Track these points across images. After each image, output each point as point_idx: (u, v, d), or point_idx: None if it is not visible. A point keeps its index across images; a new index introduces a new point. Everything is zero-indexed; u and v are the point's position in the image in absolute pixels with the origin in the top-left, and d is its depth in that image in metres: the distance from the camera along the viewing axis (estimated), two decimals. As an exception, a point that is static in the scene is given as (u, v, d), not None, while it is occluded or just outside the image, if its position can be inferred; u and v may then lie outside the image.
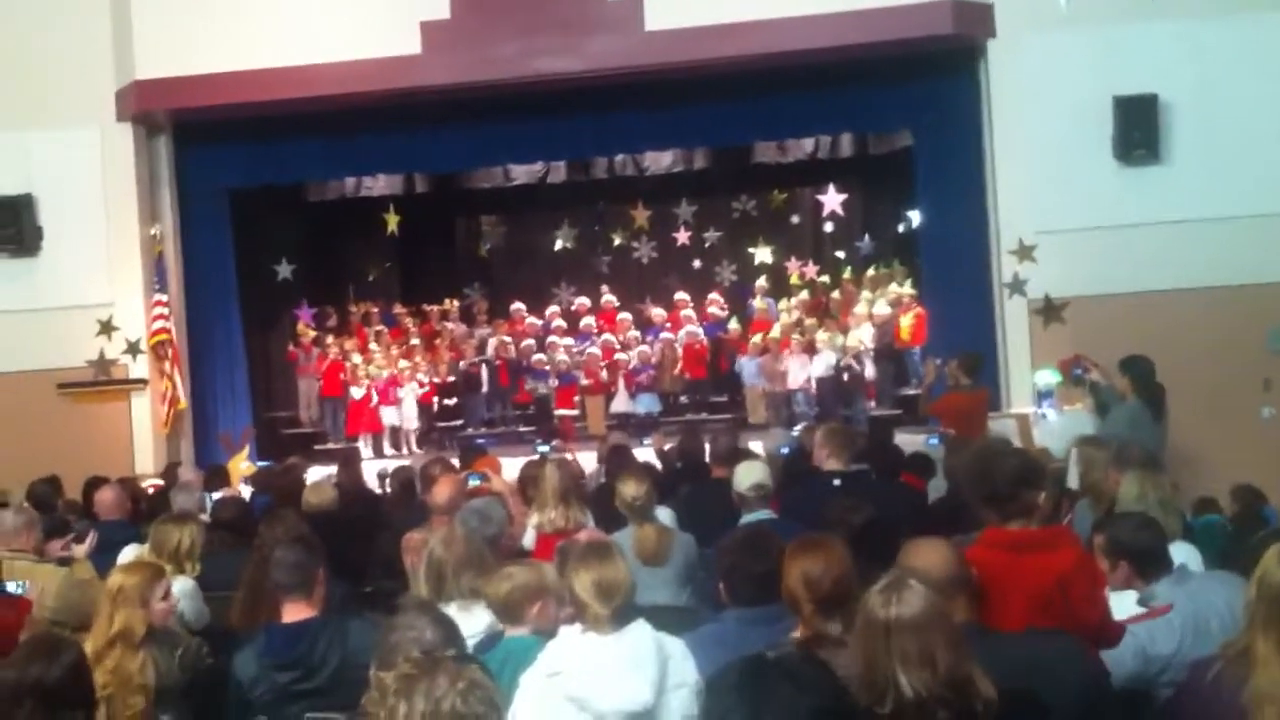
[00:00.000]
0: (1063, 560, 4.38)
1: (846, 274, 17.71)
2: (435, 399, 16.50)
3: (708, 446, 8.93)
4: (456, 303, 18.27)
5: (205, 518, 7.43)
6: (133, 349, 12.75)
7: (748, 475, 6.36)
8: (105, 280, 12.73)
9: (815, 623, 3.66)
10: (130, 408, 12.82)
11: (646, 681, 3.78)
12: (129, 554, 6.41)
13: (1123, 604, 4.58)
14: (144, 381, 12.78)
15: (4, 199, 12.53)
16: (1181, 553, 4.79)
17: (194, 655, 4.71)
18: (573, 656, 3.86)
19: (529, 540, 6.58)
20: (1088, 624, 4.17)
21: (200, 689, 4.61)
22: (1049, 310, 11.61)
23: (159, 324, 12.76)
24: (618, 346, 16.65)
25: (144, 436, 12.76)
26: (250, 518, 7.45)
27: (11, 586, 6.01)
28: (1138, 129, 11.34)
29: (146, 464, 12.15)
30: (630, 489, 6.20)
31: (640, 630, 3.90)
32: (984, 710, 3.01)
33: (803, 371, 15.19)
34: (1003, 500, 4.39)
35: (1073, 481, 6.70)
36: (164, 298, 12.84)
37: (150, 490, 9.81)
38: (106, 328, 12.71)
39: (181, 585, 5.67)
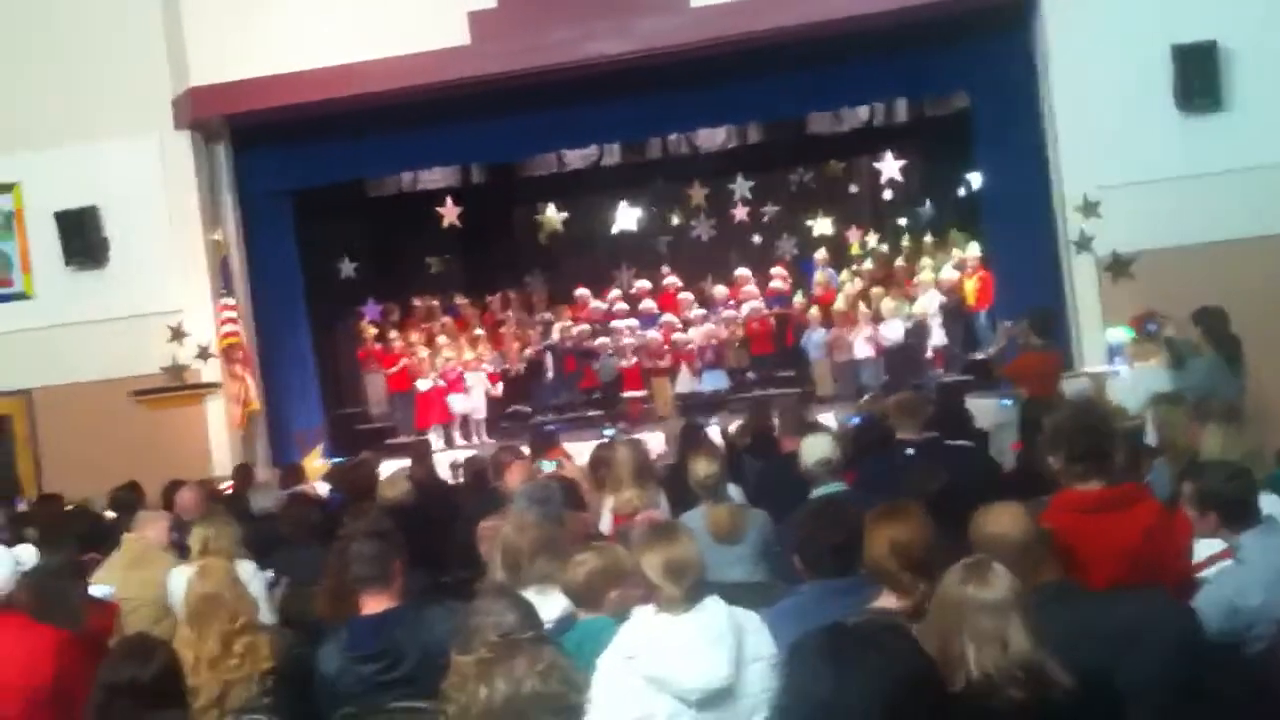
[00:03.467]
0: (1145, 515, 4.35)
1: (905, 241, 17.55)
2: (502, 387, 16.57)
3: (776, 421, 8.89)
4: (513, 294, 18.29)
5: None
6: (204, 353, 12.91)
7: (813, 451, 6.32)
8: (173, 287, 12.89)
9: (908, 589, 3.64)
10: (205, 411, 12.99)
11: (724, 657, 3.77)
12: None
13: (1208, 552, 4.52)
14: (216, 385, 12.94)
15: (70, 212, 12.72)
16: (1267, 504, 4.70)
17: (291, 644, 4.82)
18: (648, 637, 3.86)
19: (606, 524, 6.59)
20: (1178, 576, 4.13)
21: (291, 679, 4.68)
22: (1117, 266, 11.42)
23: (228, 328, 12.91)
24: (679, 326, 16.62)
25: (220, 439, 12.92)
26: (324, 513, 7.54)
27: (98, 591, 6.11)
28: (1198, 77, 11.11)
29: (224, 466, 12.30)
30: (702, 467, 6.19)
31: (714, 606, 3.89)
32: (1061, 697, 2.98)
33: (869, 342, 15.09)
34: (1079, 459, 4.36)
35: (1151, 439, 6.59)
36: (231, 301, 12.99)
37: (226, 491, 9.95)
38: (177, 334, 12.88)
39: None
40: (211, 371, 12.96)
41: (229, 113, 12.87)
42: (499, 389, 16.46)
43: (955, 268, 15.59)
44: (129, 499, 9.12)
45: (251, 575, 5.96)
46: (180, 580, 5.62)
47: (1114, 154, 11.34)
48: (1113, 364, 10.96)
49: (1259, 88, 11.10)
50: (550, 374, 16.78)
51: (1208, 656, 3.86)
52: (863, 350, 15.12)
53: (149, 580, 6.30)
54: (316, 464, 12.28)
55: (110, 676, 3.75)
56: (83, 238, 12.72)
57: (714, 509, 6.08)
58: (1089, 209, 11.51)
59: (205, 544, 6.11)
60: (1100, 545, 4.24)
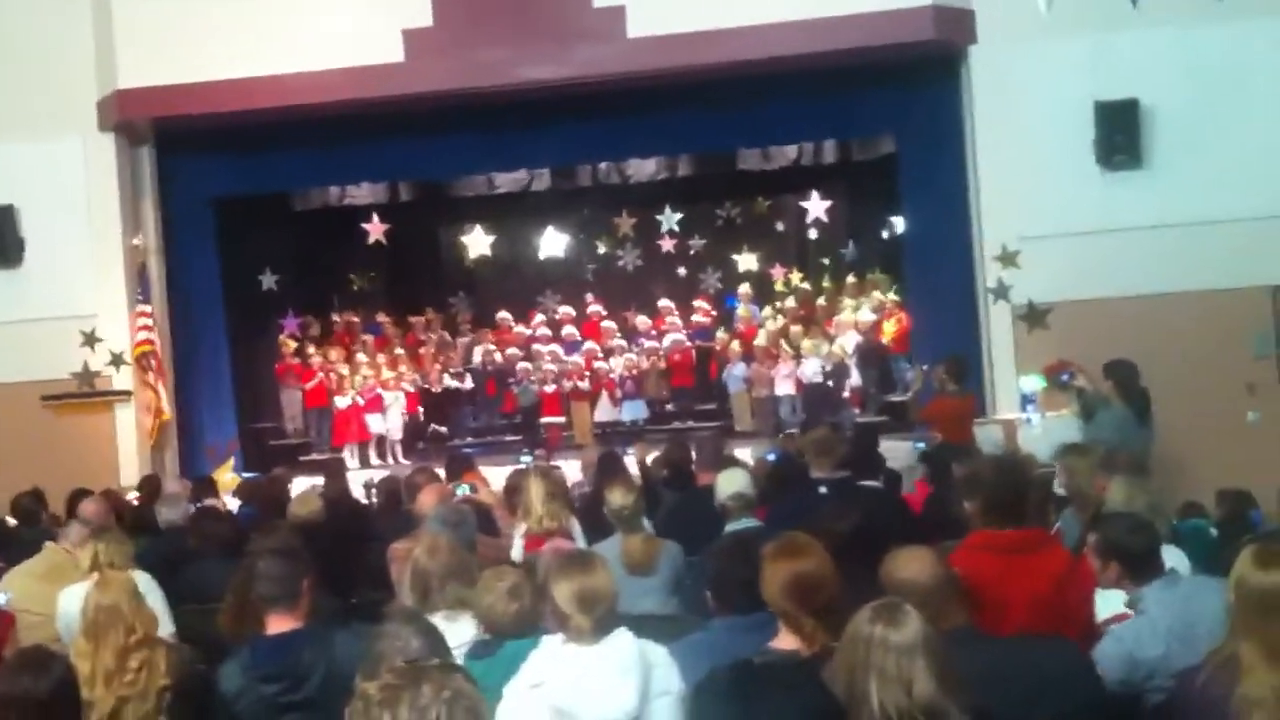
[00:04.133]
0: (1053, 561, 4.44)
1: (826, 282, 17.73)
2: (421, 408, 16.46)
3: (693, 454, 8.92)
4: (434, 312, 18.18)
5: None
6: (116, 360, 12.70)
7: (728, 485, 6.36)
8: (89, 291, 12.69)
9: (808, 632, 3.65)
10: (115, 419, 12.78)
11: (631, 690, 3.76)
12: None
13: (1110, 602, 4.60)
14: (128, 393, 12.73)
15: (-14, 210, 12.49)
16: (1169, 557, 4.79)
17: (187, 659, 4.73)
18: (556, 666, 3.84)
19: (517, 551, 6.56)
20: (1082, 625, 4.19)
21: (188, 696, 4.60)
22: (1033, 315, 11.64)
23: (143, 335, 12.72)
24: (600, 355, 16.63)
25: (128, 448, 12.72)
26: (234, 528, 7.43)
27: (-1, 599, 5.98)
28: (1119, 134, 11.39)
29: (131, 476, 12.09)
30: (618, 497, 6.19)
31: (623, 639, 3.88)
32: None
33: (789, 378, 15.20)
34: (994, 509, 4.44)
35: (1059, 488, 6.71)
36: (148, 309, 12.80)
37: (133, 502, 9.77)
38: (90, 339, 12.66)
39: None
40: (124, 379, 12.75)
41: (156, 116, 12.71)
42: (418, 410, 16.34)
43: (874, 310, 15.77)
44: (32, 506, 8.95)
45: (149, 588, 5.85)
46: (70, 598, 5.51)
47: (1035, 205, 11.57)
48: (1025, 412, 11.16)
49: (1178, 147, 11.39)
50: (470, 397, 16.70)
51: (1107, 707, 3.92)
52: (783, 387, 15.22)
53: (57, 597, 6.16)
54: (228, 478, 12.10)
55: (4, 688, 3.66)
56: (-1, 237, 12.49)
57: (628, 539, 6.09)
58: (1008, 258, 11.71)
59: (97, 559, 6.00)
60: (1009, 588, 4.32)
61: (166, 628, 5.75)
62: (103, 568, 5.84)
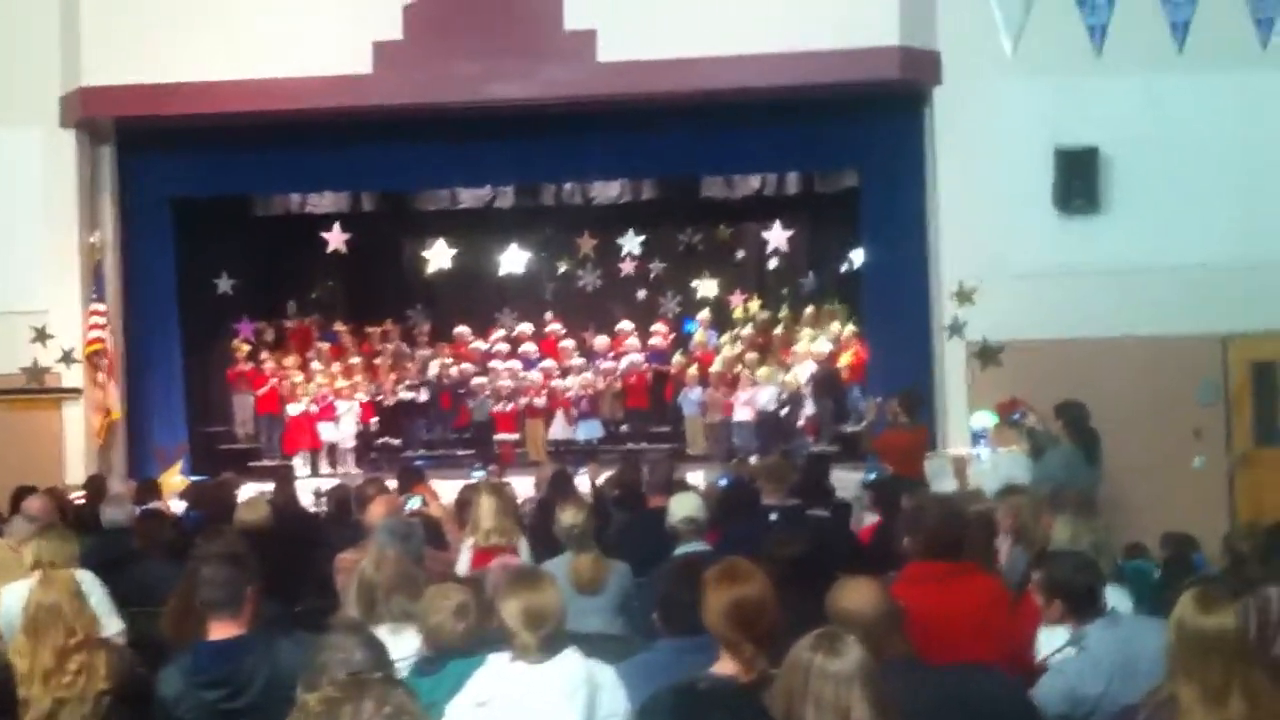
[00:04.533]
0: (984, 587, 4.52)
1: (783, 311, 17.81)
2: (374, 419, 16.38)
3: (645, 476, 8.93)
4: (391, 323, 18.12)
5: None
6: (67, 358, 12.57)
7: (680, 508, 6.39)
8: (42, 286, 12.55)
9: (747, 658, 3.67)
10: (63, 417, 12.63)
11: (577, 710, 3.76)
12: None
13: (1054, 639, 4.65)
14: (77, 391, 12.60)
15: (-59, 201, 12.35)
16: (1112, 596, 4.85)
17: (129, 662, 4.69)
18: (501, 685, 3.84)
19: (463, 564, 6.55)
20: (1016, 653, 4.25)
21: (129, 700, 4.56)
22: (986, 353, 11.75)
23: (95, 333, 12.59)
24: (557, 373, 16.62)
25: (75, 447, 12.57)
26: (179, 532, 7.38)
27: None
28: (1078, 179, 11.56)
29: (77, 475, 11.95)
30: (569, 516, 6.20)
31: (570, 658, 3.89)
32: None
33: (746, 405, 15.24)
34: (934, 552, 4.52)
35: (1001, 525, 6.76)
36: (101, 307, 12.68)
37: (78, 501, 9.67)
38: (41, 335, 12.53)
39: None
40: (74, 377, 12.61)
41: (119, 115, 12.62)
42: (371, 420, 16.26)
43: (831, 341, 15.85)
44: (-27, 500, 8.84)
45: (93, 587, 5.80)
46: (12, 595, 5.45)
47: (992, 245, 11.71)
48: (975, 447, 11.25)
49: (1135, 194, 11.59)
50: (424, 410, 16.64)
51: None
52: (739, 413, 15.26)
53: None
54: (175, 480, 12.00)
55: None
56: (-48, 228, 12.35)
57: (578, 558, 6.09)
58: (964, 296, 11.84)
59: (39, 558, 5.94)
60: (946, 614, 4.39)
61: (114, 626, 5.70)
62: (45, 566, 5.78)
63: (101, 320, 12.65)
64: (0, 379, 12.46)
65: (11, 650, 4.57)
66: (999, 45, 11.79)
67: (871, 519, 8.43)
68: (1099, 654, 4.34)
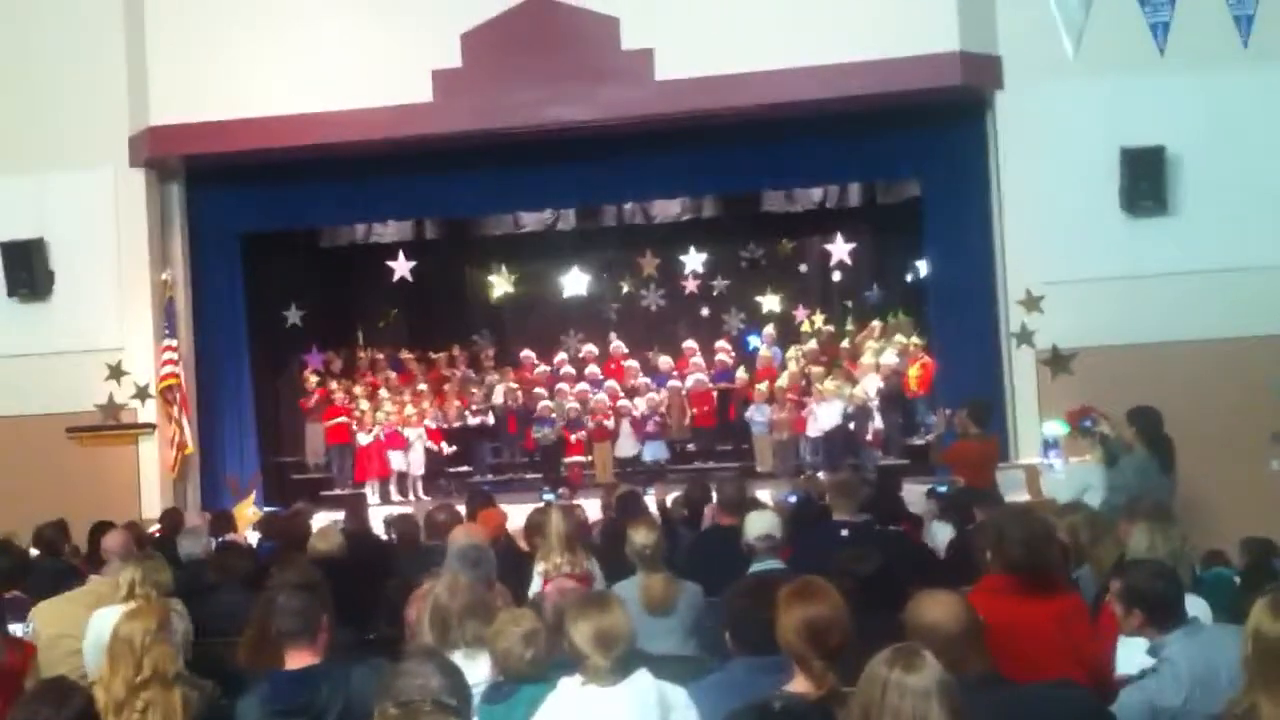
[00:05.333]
0: (1064, 602, 4.44)
1: (848, 324, 17.72)
2: (443, 445, 16.47)
3: (714, 495, 8.90)
4: (458, 350, 18.24)
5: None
6: (141, 394, 12.80)
7: (756, 525, 6.35)
8: (115, 325, 12.80)
9: (818, 675, 3.65)
10: (138, 452, 12.86)
11: (649, 732, 3.75)
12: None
13: (1132, 651, 4.56)
14: (152, 426, 12.81)
15: (17, 243, 12.65)
16: (1192, 605, 4.76)
17: (211, 697, 4.70)
18: (573, 708, 3.83)
19: (534, 588, 6.56)
20: (1096, 667, 4.17)
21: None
22: (1056, 361, 11.60)
23: (168, 369, 12.81)
24: (622, 394, 16.63)
25: (151, 481, 12.79)
26: (254, 562, 7.45)
27: (17, 629, 5.99)
28: (1145, 180, 11.38)
29: (153, 508, 12.14)
30: (641, 536, 6.17)
31: (642, 680, 3.87)
32: None
33: (812, 421, 15.14)
34: (1024, 559, 4.46)
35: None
36: (173, 342, 12.89)
37: (155, 535, 9.80)
38: (116, 372, 12.76)
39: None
40: (148, 412, 12.84)
41: (186, 153, 12.84)
42: (441, 446, 16.35)
43: (898, 353, 15.73)
44: (54, 536, 8.99)
45: (181, 618, 5.88)
46: (102, 621, 5.51)
47: (1059, 251, 11.57)
48: (1047, 457, 11.10)
49: (1203, 194, 11.39)
50: (492, 434, 16.71)
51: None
52: (810, 429, 15.16)
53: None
54: (249, 512, 12.14)
55: (23, 715, 3.67)
56: (28, 270, 12.64)
57: (649, 579, 6.06)
58: (1032, 303, 11.70)
59: (132, 587, 6.00)
60: (1019, 628, 4.32)
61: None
62: (138, 595, 5.85)
63: (174, 355, 12.86)
64: (77, 416, 12.70)
65: (97, 683, 4.62)
66: (1060, 47, 11.67)
67: (941, 531, 8.35)
68: (1179, 665, 4.26)
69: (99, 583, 6.77)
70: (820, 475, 11.86)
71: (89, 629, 5.90)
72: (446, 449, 16.41)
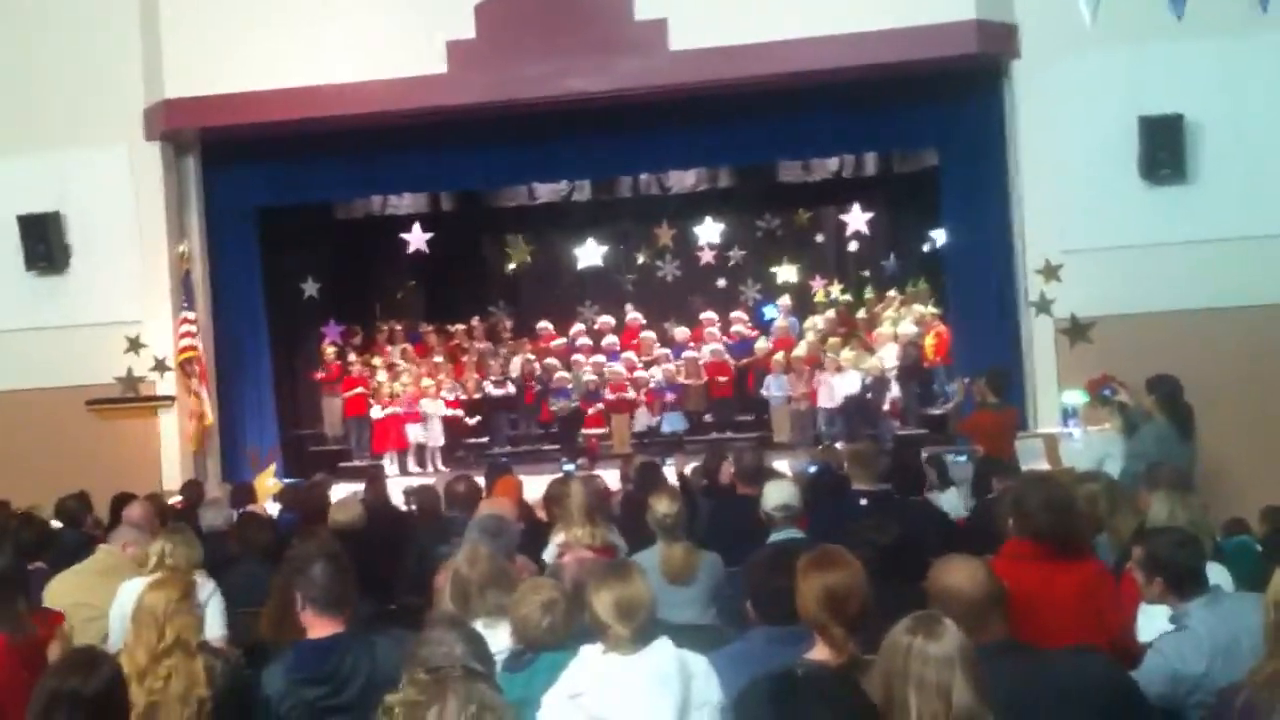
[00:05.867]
0: (1087, 568, 4.44)
1: (868, 293, 17.69)
2: (461, 416, 16.51)
3: (731, 465, 8.91)
4: (478, 321, 18.28)
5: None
6: (160, 366, 12.84)
7: (775, 495, 6.35)
8: (133, 298, 12.82)
9: (839, 642, 3.67)
10: (158, 424, 12.91)
11: (670, 700, 3.77)
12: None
13: (1153, 619, 4.57)
14: (171, 398, 12.86)
15: (34, 217, 12.65)
16: (1213, 574, 4.76)
17: (235, 666, 4.75)
18: (595, 676, 3.85)
19: (550, 554, 6.61)
20: (1118, 634, 4.19)
21: (233, 703, 4.63)
22: (1075, 330, 11.56)
23: (186, 341, 12.84)
24: (640, 364, 16.64)
25: (171, 453, 12.84)
26: (275, 534, 7.50)
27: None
28: (1163, 149, 11.29)
29: (174, 480, 12.19)
30: (663, 506, 6.19)
31: (663, 649, 3.89)
32: None
33: (830, 390, 15.15)
34: (1045, 525, 4.47)
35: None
36: (191, 315, 12.92)
37: (176, 506, 9.86)
38: (135, 345, 12.80)
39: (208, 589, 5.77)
40: (167, 385, 12.88)
41: (202, 126, 12.84)
42: (463, 417, 16.38)
43: (915, 323, 15.71)
44: (77, 508, 9.05)
45: (210, 594, 5.93)
46: (127, 592, 5.56)
47: (1077, 219, 11.50)
48: (1067, 426, 11.08)
49: (1222, 162, 11.29)
50: (509, 405, 16.75)
51: (1147, 721, 3.91)
52: (822, 399, 15.17)
53: (112, 593, 6.21)
54: (269, 484, 12.18)
55: (53, 685, 3.71)
56: (45, 243, 12.65)
57: (670, 549, 6.08)
58: (1050, 272, 11.65)
59: (162, 558, 6.06)
60: (1041, 594, 4.34)
61: (217, 631, 5.80)
62: (165, 567, 5.91)
63: (192, 329, 12.88)
64: (97, 389, 12.74)
65: (123, 650, 4.67)
66: (1077, 15, 11.55)
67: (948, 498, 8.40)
68: (1200, 633, 4.27)
69: (106, 551, 6.82)
70: (839, 445, 11.86)
71: (116, 600, 5.96)
72: (468, 420, 16.46)
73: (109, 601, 6.05)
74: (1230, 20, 11.35)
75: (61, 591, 6.31)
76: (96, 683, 3.72)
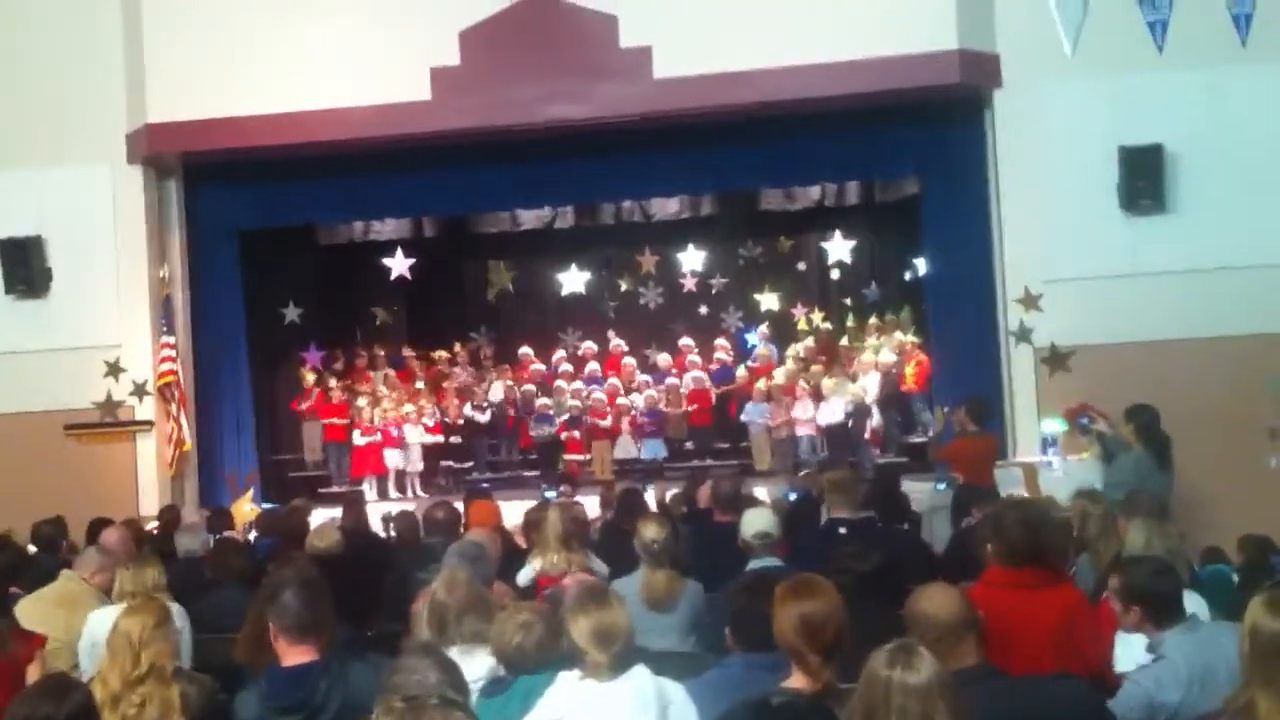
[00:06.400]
0: (1066, 596, 4.45)
1: (849, 322, 17.73)
2: (441, 440, 16.45)
3: (710, 491, 8.89)
4: (460, 347, 18.24)
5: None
6: (139, 391, 12.78)
7: (753, 523, 6.35)
8: (113, 322, 12.77)
9: (815, 670, 3.66)
10: (136, 449, 12.84)
11: (647, 727, 3.75)
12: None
13: (1130, 647, 4.57)
14: (150, 423, 12.80)
15: (14, 240, 12.63)
16: (1190, 602, 4.77)
17: (210, 692, 4.72)
18: (571, 703, 3.84)
19: (524, 577, 6.59)
20: (1094, 662, 4.19)
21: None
22: (1055, 359, 11.61)
23: (166, 366, 12.79)
24: (622, 391, 16.62)
25: (149, 478, 12.77)
26: (252, 559, 7.46)
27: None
28: (1143, 179, 11.38)
29: (151, 505, 12.13)
30: (650, 531, 6.17)
31: (640, 676, 3.88)
32: None
33: (809, 419, 15.14)
34: (1022, 550, 4.47)
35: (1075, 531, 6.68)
36: (171, 339, 12.88)
37: (153, 532, 9.80)
38: (114, 369, 12.75)
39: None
40: (146, 409, 12.82)
41: (184, 150, 12.82)
42: (439, 440, 16.32)
43: (895, 351, 15.73)
44: (52, 533, 8.99)
45: (181, 617, 5.90)
46: (99, 623, 5.52)
47: (1058, 249, 11.57)
48: (1046, 454, 11.12)
49: (1201, 192, 11.39)
50: (490, 431, 16.71)
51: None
52: (803, 427, 15.17)
53: (73, 624, 6.15)
54: (247, 509, 12.13)
55: (24, 712, 3.68)
56: (26, 267, 12.63)
57: (653, 574, 6.06)
58: (1030, 301, 11.70)
59: (122, 589, 6.02)
60: (1025, 622, 4.34)
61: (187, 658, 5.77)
62: (128, 596, 5.86)
63: (172, 353, 12.84)
64: (75, 413, 12.69)
65: (96, 677, 4.63)
66: (1059, 45, 11.66)
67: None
68: (1177, 661, 4.27)
69: (67, 578, 6.75)
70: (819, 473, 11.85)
71: (85, 629, 5.91)
72: (442, 447, 16.39)
73: (64, 631, 6.00)
74: (1210, 52, 11.47)
75: (20, 618, 6.23)
76: (69, 709, 3.69)
